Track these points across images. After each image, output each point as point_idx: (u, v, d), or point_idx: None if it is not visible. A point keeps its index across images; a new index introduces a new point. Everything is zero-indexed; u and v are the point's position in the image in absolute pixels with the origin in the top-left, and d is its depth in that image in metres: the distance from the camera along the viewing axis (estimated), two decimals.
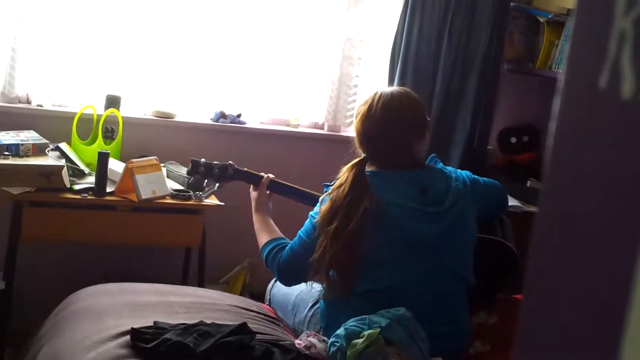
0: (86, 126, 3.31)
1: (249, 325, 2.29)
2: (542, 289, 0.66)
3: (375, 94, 2.45)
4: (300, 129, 3.89)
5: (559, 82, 0.57)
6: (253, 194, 2.74)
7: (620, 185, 0.53)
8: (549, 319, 0.64)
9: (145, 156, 3.20)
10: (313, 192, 2.80)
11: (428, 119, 2.53)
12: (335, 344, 2.18)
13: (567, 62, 0.57)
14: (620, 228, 0.55)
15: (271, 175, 2.78)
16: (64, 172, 2.97)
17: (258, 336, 2.27)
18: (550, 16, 3.78)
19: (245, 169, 2.81)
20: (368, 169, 2.40)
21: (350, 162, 2.43)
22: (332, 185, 2.41)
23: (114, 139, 3.32)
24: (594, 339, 0.58)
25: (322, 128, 3.94)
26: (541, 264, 0.65)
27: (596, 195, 0.56)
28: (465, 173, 2.52)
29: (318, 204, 2.42)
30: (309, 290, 2.53)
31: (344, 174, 2.38)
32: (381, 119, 2.40)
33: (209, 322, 2.28)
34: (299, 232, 2.45)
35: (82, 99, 3.39)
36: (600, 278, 0.58)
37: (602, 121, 0.54)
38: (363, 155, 2.44)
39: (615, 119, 0.52)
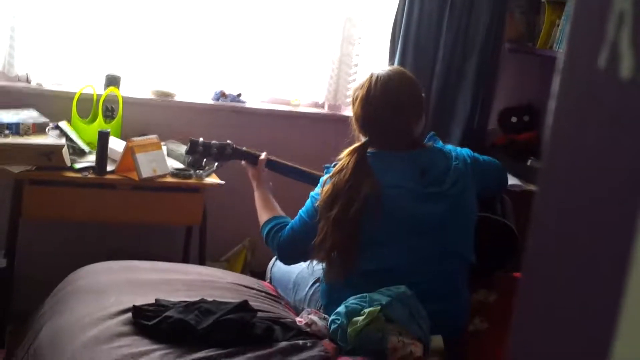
0: (86, 105, 3.31)
1: (250, 303, 2.30)
2: (541, 268, 0.66)
3: (372, 77, 2.43)
4: (300, 109, 3.89)
5: (559, 61, 0.57)
6: (252, 172, 2.75)
7: (619, 164, 0.54)
8: (547, 296, 0.65)
9: (146, 135, 3.20)
10: (312, 171, 2.80)
11: (423, 95, 2.52)
12: (336, 321, 2.19)
13: (566, 42, 0.57)
14: (618, 207, 0.56)
15: (267, 154, 2.79)
16: (65, 150, 2.97)
17: (259, 314, 2.28)
18: None
19: (244, 149, 2.82)
20: (368, 150, 2.40)
21: (351, 145, 2.42)
22: (332, 167, 2.41)
23: (114, 118, 3.32)
24: (591, 317, 0.59)
25: (323, 107, 3.94)
26: (540, 242, 0.66)
27: (595, 175, 0.57)
28: (465, 151, 2.52)
29: (319, 185, 2.42)
30: (309, 269, 2.54)
31: (346, 157, 2.38)
32: (381, 101, 2.39)
33: (210, 299, 2.29)
34: (300, 211, 2.46)
35: (82, 78, 3.38)
36: (599, 255, 0.59)
37: (601, 101, 0.54)
38: (363, 138, 2.44)
39: (614, 99, 0.53)
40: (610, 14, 0.51)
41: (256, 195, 2.69)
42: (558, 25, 3.76)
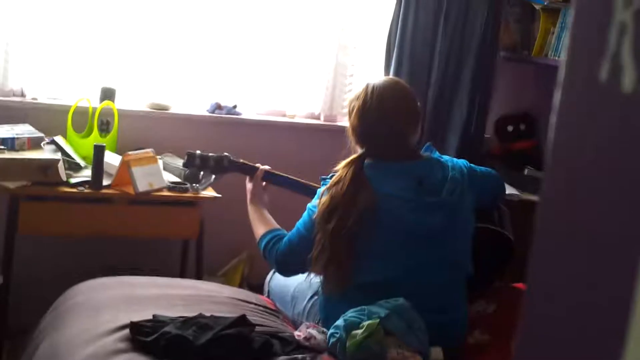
0: (81, 119, 3.30)
1: (248, 317, 2.29)
2: (545, 279, 0.65)
3: (367, 87, 2.43)
4: (296, 120, 3.89)
5: (559, 75, 0.57)
6: (248, 186, 2.74)
7: (621, 178, 0.53)
8: (552, 306, 0.64)
9: (142, 148, 3.19)
10: (310, 183, 2.79)
11: (419, 105, 2.52)
12: (335, 335, 2.18)
13: (567, 55, 0.56)
14: (622, 219, 0.55)
15: (266, 167, 2.78)
16: (60, 165, 2.96)
17: (257, 328, 2.27)
18: (545, 3, 3.77)
19: (240, 161, 2.81)
20: (365, 161, 2.39)
21: (348, 157, 2.42)
22: (329, 178, 2.40)
23: (109, 132, 3.31)
24: (599, 325, 0.58)
25: (319, 118, 3.93)
26: (544, 255, 0.65)
27: (597, 188, 0.56)
28: (461, 162, 2.51)
29: (316, 197, 2.41)
30: (307, 282, 2.52)
31: (343, 169, 2.37)
32: (378, 112, 2.39)
33: (207, 314, 2.28)
34: (297, 224, 2.45)
35: (77, 92, 3.37)
36: (603, 265, 0.58)
37: (603, 115, 0.53)
38: (359, 150, 2.43)
39: (616, 113, 0.52)
40: (611, 25, 0.50)
41: (250, 208, 2.68)
42: (553, 33, 3.77)
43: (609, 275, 0.57)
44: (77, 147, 3.21)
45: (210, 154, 2.79)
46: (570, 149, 0.56)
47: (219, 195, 3.20)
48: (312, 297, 2.54)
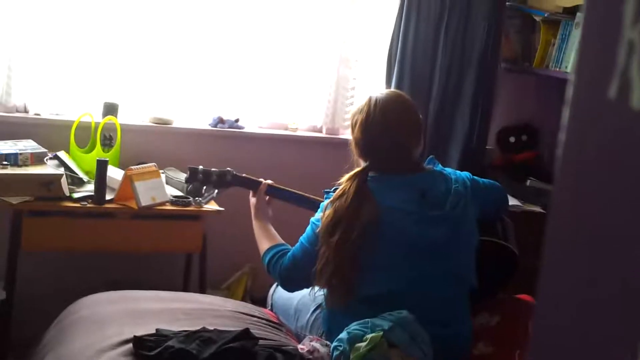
0: (84, 134, 3.31)
1: (252, 331, 2.29)
2: (555, 291, 0.65)
3: (370, 100, 2.43)
4: (298, 133, 3.89)
5: (568, 92, 0.57)
6: (252, 201, 2.74)
7: (631, 195, 0.53)
8: (564, 319, 0.64)
9: (144, 163, 3.19)
10: (313, 196, 2.79)
11: (421, 117, 2.53)
12: (338, 348, 2.17)
13: (575, 72, 0.56)
14: (631, 235, 0.55)
15: (269, 181, 2.77)
16: (63, 180, 2.96)
17: (261, 342, 2.26)
18: (545, 15, 3.78)
19: (243, 175, 2.81)
20: (369, 174, 2.39)
21: (351, 170, 2.42)
22: (332, 192, 2.40)
23: (112, 147, 3.31)
24: (612, 336, 0.58)
25: (321, 131, 3.94)
26: (553, 272, 0.65)
27: (607, 206, 0.56)
28: (464, 174, 2.51)
29: (320, 210, 2.41)
30: (311, 295, 2.52)
31: (346, 183, 2.37)
32: (381, 125, 2.39)
33: (211, 328, 2.27)
34: (301, 238, 2.45)
35: (79, 107, 3.38)
36: (613, 282, 0.58)
37: (613, 131, 0.53)
38: (363, 163, 2.43)
39: (625, 129, 0.52)
40: (620, 43, 0.50)
41: (254, 223, 2.67)
42: (554, 45, 3.77)
43: (621, 288, 0.57)
44: (80, 162, 3.21)
45: (213, 169, 2.79)
46: (578, 166, 0.57)
47: (222, 209, 3.20)
48: (315, 310, 2.53)
